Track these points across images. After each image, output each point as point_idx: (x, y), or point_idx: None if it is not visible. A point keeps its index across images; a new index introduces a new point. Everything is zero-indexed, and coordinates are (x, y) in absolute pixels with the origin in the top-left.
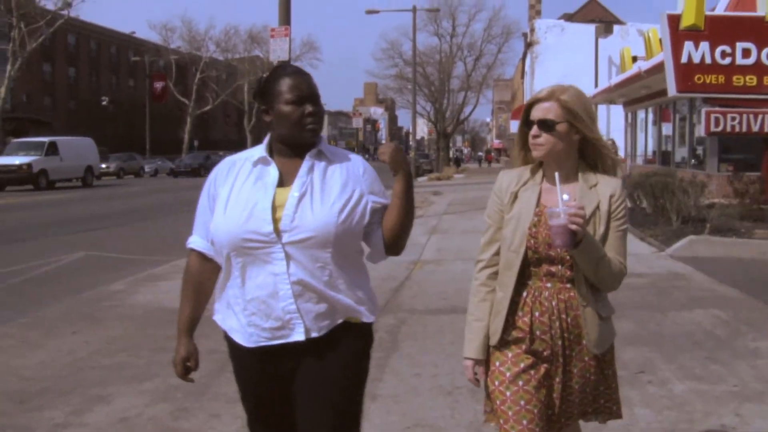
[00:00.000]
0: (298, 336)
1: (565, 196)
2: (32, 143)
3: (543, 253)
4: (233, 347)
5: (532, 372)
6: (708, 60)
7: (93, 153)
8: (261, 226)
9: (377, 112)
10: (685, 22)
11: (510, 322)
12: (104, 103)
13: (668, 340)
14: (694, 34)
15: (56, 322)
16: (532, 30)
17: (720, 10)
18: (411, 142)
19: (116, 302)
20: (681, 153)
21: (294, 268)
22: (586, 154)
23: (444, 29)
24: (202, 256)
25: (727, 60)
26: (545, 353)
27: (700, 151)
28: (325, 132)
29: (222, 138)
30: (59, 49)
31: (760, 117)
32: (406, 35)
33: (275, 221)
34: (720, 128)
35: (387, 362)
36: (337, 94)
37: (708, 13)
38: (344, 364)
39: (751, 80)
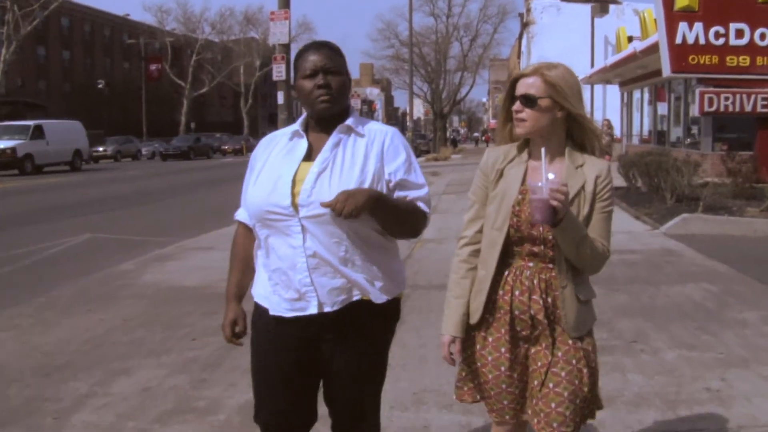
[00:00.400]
0: (312, 309)
1: (551, 175)
2: (17, 127)
3: (525, 232)
4: (258, 312)
5: (512, 357)
6: (702, 40)
7: (81, 136)
8: (281, 200)
9: (373, 92)
10: (680, 2)
11: (491, 301)
12: (100, 86)
13: (660, 312)
14: (689, 14)
15: (71, 302)
16: (528, 10)
17: None
18: (408, 123)
19: (127, 281)
20: (676, 132)
21: (310, 241)
22: (573, 133)
23: (440, 9)
24: (246, 227)
25: (721, 40)
26: (524, 332)
27: (695, 130)
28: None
29: (218, 120)
30: (53, 32)
31: (753, 97)
32: (401, 16)
33: (294, 195)
34: (714, 108)
35: (396, 334)
36: None
37: None
38: (365, 345)
39: (744, 60)
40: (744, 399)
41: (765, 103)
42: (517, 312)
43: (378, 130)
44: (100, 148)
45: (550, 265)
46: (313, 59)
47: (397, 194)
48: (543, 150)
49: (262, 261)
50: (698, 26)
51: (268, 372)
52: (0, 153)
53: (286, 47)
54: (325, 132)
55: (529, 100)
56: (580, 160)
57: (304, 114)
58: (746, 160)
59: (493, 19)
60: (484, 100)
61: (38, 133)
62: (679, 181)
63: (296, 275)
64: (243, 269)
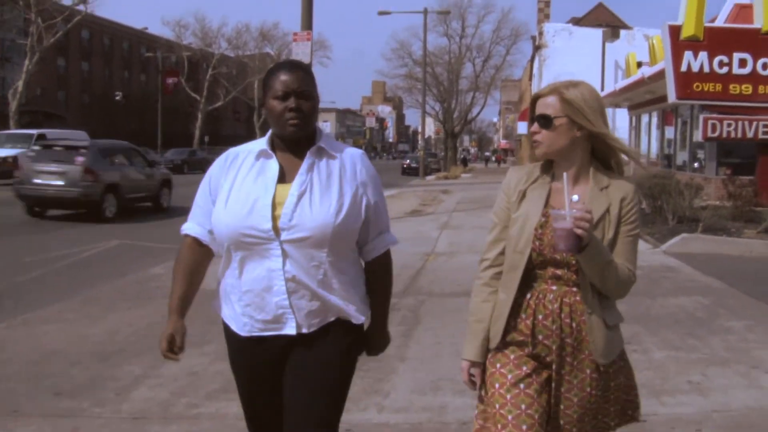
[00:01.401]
0: (290, 330)
1: (575, 197)
2: (20, 135)
3: (548, 255)
4: (228, 334)
5: (534, 376)
6: (706, 69)
7: None
8: (260, 223)
9: (385, 110)
10: (686, 32)
11: (512, 325)
12: (118, 98)
13: (654, 319)
14: (694, 44)
15: (111, 300)
16: (541, 33)
17: (720, 22)
18: (420, 142)
19: (160, 283)
20: (682, 156)
21: (290, 265)
22: (597, 152)
23: (453, 30)
24: (196, 241)
25: (725, 69)
26: (547, 359)
27: (700, 154)
28: (333, 130)
29: (231, 134)
30: (73, 44)
31: (754, 124)
32: (415, 36)
33: (274, 218)
34: (716, 134)
35: (411, 333)
36: (345, 92)
37: (707, 24)
38: (330, 357)
39: (747, 89)
40: (721, 391)
41: (766, 129)
42: (540, 336)
43: (348, 153)
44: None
45: (574, 289)
46: (284, 80)
47: (373, 236)
48: (565, 175)
49: (231, 281)
50: (703, 55)
51: (251, 389)
52: (2, 162)
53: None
54: (294, 153)
55: (545, 120)
56: (605, 181)
57: (270, 132)
58: (746, 184)
59: (505, 40)
60: (495, 120)
61: (42, 141)
62: (680, 204)
63: (273, 297)
64: (188, 282)
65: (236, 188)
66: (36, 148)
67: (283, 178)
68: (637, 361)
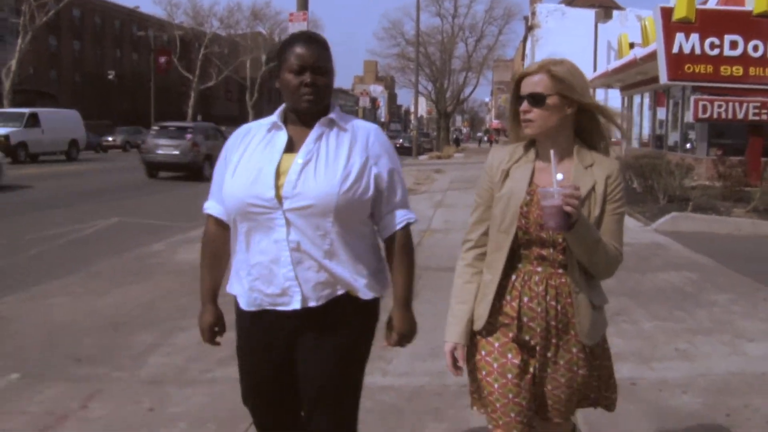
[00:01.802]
0: (296, 304)
1: (559, 176)
2: (11, 114)
3: (534, 234)
4: (239, 310)
5: (520, 363)
6: (698, 50)
7: (78, 126)
8: (264, 192)
9: (377, 89)
10: (677, 14)
11: (497, 307)
12: (110, 77)
13: (643, 293)
14: (686, 26)
15: (114, 275)
16: (534, 14)
17: (712, 4)
18: (413, 121)
19: (161, 260)
20: (674, 137)
21: (294, 235)
22: (583, 129)
23: (446, 9)
24: (218, 221)
25: (716, 51)
26: (532, 342)
27: (691, 135)
28: None
29: (224, 113)
30: (65, 23)
31: (744, 105)
32: (408, 15)
33: (278, 187)
34: (707, 115)
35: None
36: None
37: (699, 6)
38: (341, 340)
39: (738, 70)
40: (705, 357)
41: (756, 111)
42: (525, 319)
43: (361, 126)
44: (110, 138)
45: (560, 270)
46: (301, 54)
47: (387, 211)
48: (552, 153)
49: (240, 256)
50: (694, 37)
51: (255, 368)
52: None
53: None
54: (305, 125)
55: (536, 99)
56: (590, 159)
57: (283, 105)
58: (736, 164)
59: (498, 20)
60: (487, 100)
61: (33, 121)
62: (671, 183)
63: (280, 269)
64: (216, 265)
65: (245, 159)
66: (155, 128)
67: (292, 148)
68: (626, 331)
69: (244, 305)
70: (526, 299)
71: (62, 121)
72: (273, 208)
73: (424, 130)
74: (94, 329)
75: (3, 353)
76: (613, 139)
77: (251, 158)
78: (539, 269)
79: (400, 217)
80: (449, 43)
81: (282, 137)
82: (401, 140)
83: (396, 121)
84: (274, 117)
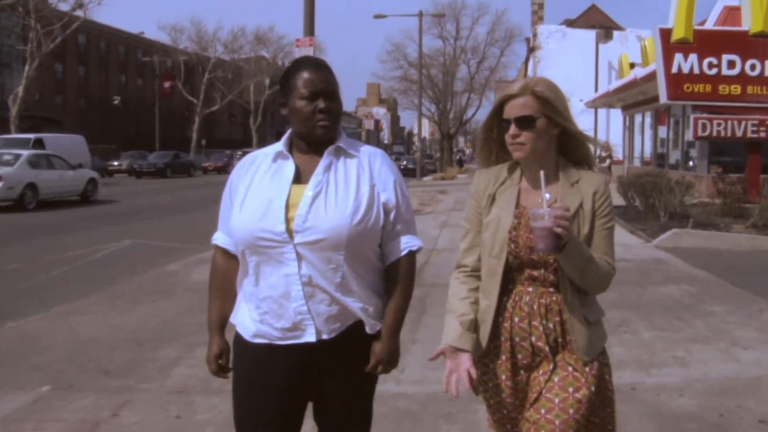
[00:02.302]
0: (309, 337)
1: (547, 195)
2: (18, 140)
3: (524, 257)
4: (240, 344)
5: (513, 384)
6: (696, 70)
7: (83, 151)
8: (274, 225)
9: (380, 112)
10: (676, 35)
11: (492, 329)
12: (116, 102)
13: (643, 305)
14: (684, 46)
15: (134, 294)
16: (535, 35)
17: (710, 23)
18: (417, 143)
19: (178, 279)
20: (675, 155)
21: (306, 269)
22: (567, 148)
23: (448, 32)
24: (226, 252)
25: (714, 71)
26: (525, 361)
27: (692, 153)
28: None
29: (227, 137)
30: (70, 49)
31: (743, 123)
32: (410, 38)
33: (288, 221)
34: (707, 133)
35: (420, 320)
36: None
37: (697, 27)
38: (355, 367)
39: (736, 89)
40: (701, 363)
41: (755, 129)
42: (517, 339)
43: (367, 152)
44: (115, 163)
45: (551, 289)
46: (311, 80)
47: (391, 237)
48: (542, 174)
49: (249, 289)
50: (693, 57)
51: (254, 403)
52: None
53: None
54: (312, 153)
55: (525, 122)
56: (575, 176)
57: (288, 133)
58: (735, 181)
59: (500, 42)
60: None
61: (39, 146)
62: (671, 200)
63: (291, 304)
64: (224, 297)
65: (252, 191)
66: None
67: (299, 179)
68: (627, 341)
69: (249, 337)
70: (516, 319)
71: (68, 146)
72: (284, 242)
73: (427, 151)
74: (120, 344)
75: (33, 367)
76: (614, 158)
77: (259, 189)
78: (530, 289)
79: (404, 244)
80: (451, 65)
81: (289, 167)
82: (405, 162)
83: (399, 143)
84: (280, 146)
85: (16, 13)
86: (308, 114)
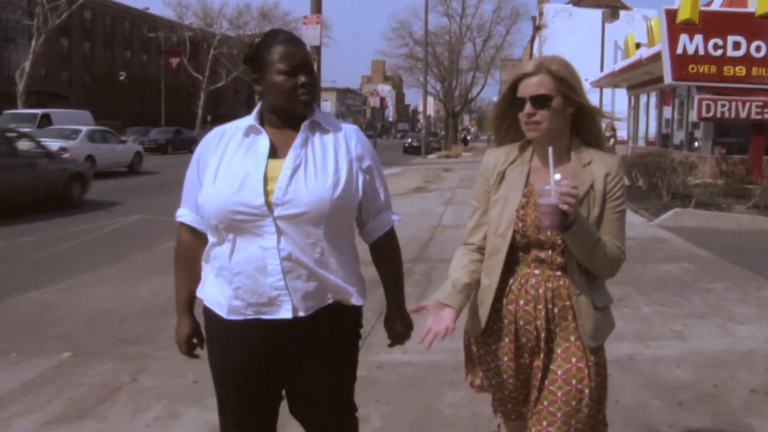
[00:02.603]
0: (285, 314)
1: (557, 176)
2: (24, 115)
3: (532, 237)
4: (213, 320)
5: (516, 366)
6: (701, 51)
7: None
8: (252, 198)
9: (384, 89)
10: (681, 16)
11: (495, 310)
12: (121, 78)
13: (644, 282)
14: (689, 27)
15: (145, 267)
16: (541, 14)
17: (716, 4)
18: (422, 121)
19: None
20: (680, 136)
21: (285, 243)
22: (580, 127)
23: (454, 9)
24: (192, 229)
25: (719, 52)
26: (529, 345)
27: (697, 134)
28: (333, 109)
29: (232, 114)
30: (76, 25)
31: (747, 104)
32: (416, 15)
33: (267, 193)
34: (711, 114)
35: (425, 293)
36: (344, 71)
37: (702, 8)
38: (337, 353)
39: (741, 71)
40: (698, 337)
41: (758, 110)
42: (521, 322)
43: (342, 128)
44: (122, 138)
45: (558, 273)
46: (289, 54)
47: (372, 215)
48: (550, 150)
49: (220, 263)
50: (698, 38)
51: (235, 376)
52: None
53: (317, 49)
54: (286, 128)
55: (541, 101)
56: (587, 157)
57: (258, 107)
58: (738, 162)
59: (505, 20)
60: (494, 99)
61: (46, 121)
62: (674, 180)
63: (267, 278)
64: (191, 276)
65: (225, 165)
66: None
67: (275, 153)
68: (627, 316)
69: (224, 313)
70: (522, 302)
71: (74, 122)
72: (262, 216)
73: (432, 129)
74: (134, 315)
75: (52, 336)
76: (619, 138)
77: (232, 163)
78: (537, 272)
79: (386, 220)
80: (457, 43)
81: (263, 142)
82: (410, 139)
83: (404, 120)
84: (251, 120)
85: None
86: (289, 89)
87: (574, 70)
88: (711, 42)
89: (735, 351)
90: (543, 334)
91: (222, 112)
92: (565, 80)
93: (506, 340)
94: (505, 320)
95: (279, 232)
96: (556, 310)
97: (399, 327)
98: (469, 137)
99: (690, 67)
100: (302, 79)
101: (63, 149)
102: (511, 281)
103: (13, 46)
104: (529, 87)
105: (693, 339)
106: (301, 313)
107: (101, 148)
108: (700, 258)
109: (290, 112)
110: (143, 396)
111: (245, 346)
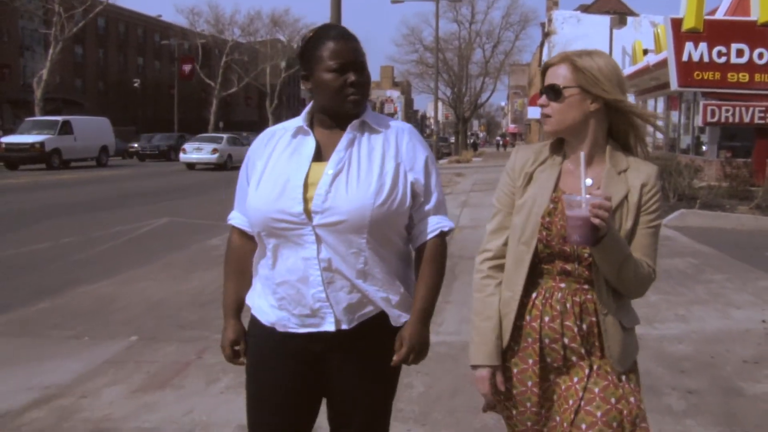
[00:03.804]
0: (329, 326)
1: (588, 181)
2: (46, 122)
3: (557, 247)
4: (257, 326)
5: (541, 392)
6: (706, 59)
7: (108, 133)
8: (291, 206)
9: (393, 95)
10: (687, 24)
11: (517, 327)
12: (136, 84)
13: None
14: (694, 35)
15: (186, 264)
16: (550, 20)
17: (722, 12)
18: (433, 126)
19: (222, 252)
20: (686, 140)
21: (325, 252)
22: (617, 129)
23: (463, 16)
24: (243, 233)
25: (723, 59)
26: (555, 364)
27: (703, 138)
28: None
29: (243, 119)
30: (90, 32)
31: (750, 109)
32: (426, 22)
33: (306, 201)
34: (715, 119)
35: (452, 285)
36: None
37: (707, 17)
38: (377, 363)
39: (744, 77)
40: (699, 320)
41: (761, 115)
42: (547, 341)
43: (394, 127)
44: (135, 144)
45: (585, 286)
46: (339, 50)
47: (420, 218)
48: (582, 155)
49: (264, 272)
50: (703, 46)
51: (270, 391)
52: (29, 147)
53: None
54: (335, 128)
55: (553, 92)
56: (624, 163)
57: (308, 107)
58: (741, 165)
59: (514, 26)
60: (503, 104)
61: (66, 128)
62: (680, 183)
63: (309, 290)
64: (240, 279)
65: (269, 169)
66: None
67: (320, 156)
68: (635, 303)
69: (269, 323)
70: (547, 318)
71: (93, 129)
72: (302, 224)
73: (441, 134)
74: (184, 305)
75: (118, 322)
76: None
77: (275, 167)
78: (562, 285)
79: (434, 225)
80: (467, 48)
81: (309, 144)
82: None
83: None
84: (300, 120)
85: None
86: (338, 88)
87: (607, 65)
88: (715, 49)
89: (731, 330)
90: (571, 353)
91: (234, 118)
92: (586, 72)
93: (530, 361)
94: (529, 339)
95: (319, 241)
96: (585, 327)
97: (417, 340)
98: (479, 142)
99: (695, 73)
100: (352, 77)
101: (215, 150)
102: (534, 295)
103: (29, 54)
104: (548, 78)
105: (695, 321)
106: (344, 326)
107: (235, 149)
108: (703, 253)
109: (339, 112)
110: (211, 370)
111: (289, 357)
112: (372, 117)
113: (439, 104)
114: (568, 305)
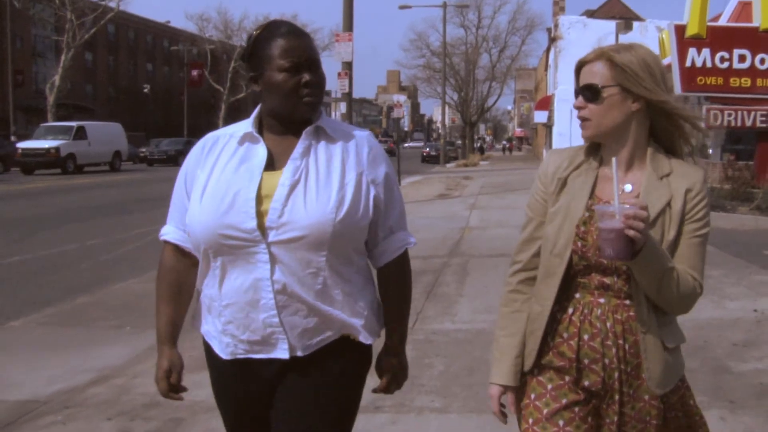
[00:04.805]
0: (281, 354)
1: (627, 187)
2: (60, 127)
3: (593, 259)
4: (210, 356)
5: (577, 410)
6: (709, 64)
7: (121, 138)
8: (243, 221)
9: (400, 99)
10: (690, 31)
11: (551, 346)
12: (145, 90)
13: None
14: (697, 41)
15: None
16: (556, 25)
17: (725, 18)
18: (441, 130)
19: None
20: None
21: (279, 273)
22: (661, 130)
23: (470, 21)
24: (178, 249)
25: (725, 64)
26: (594, 388)
27: (707, 141)
28: (350, 119)
29: None
30: (100, 38)
31: (753, 113)
32: (433, 27)
33: (260, 215)
34: (718, 123)
35: (464, 280)
36: (360, 81)
37: (710, 23)
38: (332, 388)
39: (746, 82)
40: (695, 310)
41: (763, 119)
42: (586, 361)
43: (353, 134)
44: (145, 149)
45: (627, 302)
46: (292, 48)
47: (384, 234)
48: (614, 161)
49: (210, 292)
50: (706, 52)
51: (235, 415)
52: (44, 152)
53: (349, 65)
54: (287, 134)
55: (591, 92)
56: (667, 167)
57: (256, 112)
58: (743, 168)
59: (521, 31)
60: (510, 108)
61: (80, 134)
62: None
63: (259, 314)
64: (176, 300)
65: (214, 179)
66: None
67: (272, 165)
68: None
69: (218, 350)
70: (586, 337)
71: (107, 134)
72: (254, 241)
73: (448, 138)
74: None
75: (153, 314)
76: None
77: (222, 177)
78: (602, 300)
79: (399, 242)
80: (473, 53)
81: (260, 152)
82: (428, 149)
83: (419, 130)
84: (247, 126)
85: (51, 4)
86: (291, 88)
87: (650, 61)
88: (718, 55)
89: (724, 319)
90: (612, 375)
91: None
92: (625, 69)
93: (566, 378)
94: (565, 358)
95: (273, 260)
96: (627, 347)
97: (395, 368)
98: (485, 146)
99: (698, 79)
100: (306, 77)
101: None
102: (571, 311)
103: (41, 61)
104: (584, 76)
105: (691, 311)
106: (299, 353)
107: None
108: None
109: (292, 115)
110: None
111: (240, 385)
112: (327, 122)
113: (446, 108)
114: (608, 324)
